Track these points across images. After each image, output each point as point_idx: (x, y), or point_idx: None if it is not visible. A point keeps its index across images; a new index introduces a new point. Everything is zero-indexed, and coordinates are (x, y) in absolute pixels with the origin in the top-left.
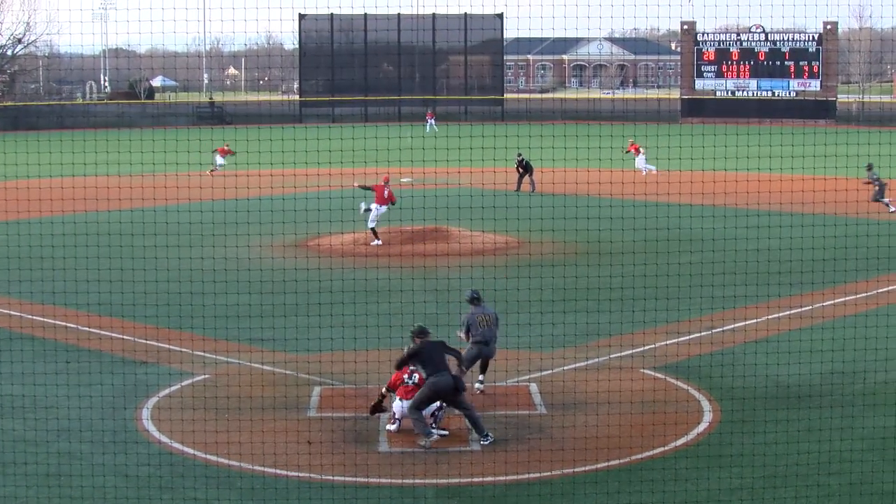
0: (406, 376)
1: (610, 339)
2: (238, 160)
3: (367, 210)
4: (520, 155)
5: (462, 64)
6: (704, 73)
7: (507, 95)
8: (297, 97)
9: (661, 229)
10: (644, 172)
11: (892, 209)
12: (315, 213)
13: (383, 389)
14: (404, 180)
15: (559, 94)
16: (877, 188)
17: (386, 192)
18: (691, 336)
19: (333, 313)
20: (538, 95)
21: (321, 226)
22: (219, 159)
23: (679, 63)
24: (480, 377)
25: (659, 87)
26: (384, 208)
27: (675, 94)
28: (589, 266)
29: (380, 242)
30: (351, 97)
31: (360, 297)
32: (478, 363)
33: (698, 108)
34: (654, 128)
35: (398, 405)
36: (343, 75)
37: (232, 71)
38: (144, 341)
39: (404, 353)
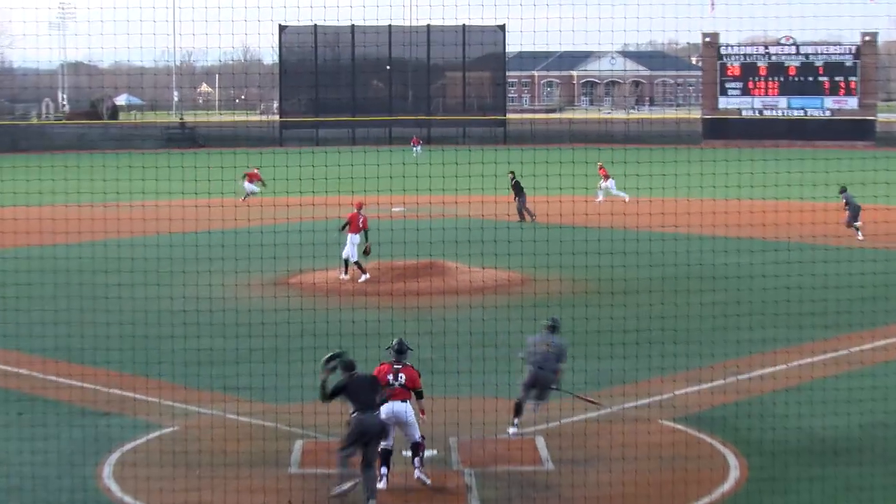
0: (391, 377)
1: (624, 386)
2: (211, 188)
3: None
4: (512, 174)
5: (460, 81)
6: (728, 91)
7: (509, 116)
8: (276, 118)
9: (680, 265)
10: (599, 199)
11: (861, 237)
12: (296, 248)
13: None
14: (396, 210)
15: (567, 115)
16: (849, 214)
17: (360, 220)
18: (715, 383)
19: (317, 359)
20: (544, 116)
21: (303, 261)
22: (249, 185)
23: (700, 79)
24: (535, 402)
25: (678, 106)
26: (357, 238)
27: (696, 113)
28: (601, 306)
29: (367, 276)
30: (337, 118)
31: (347, 340)
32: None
33: (722, 130)
34: (672, 151)
35: (388, 409)
36: (328, 94)
37: (205, 88)
38: (106, 389)
39: (328, 387)
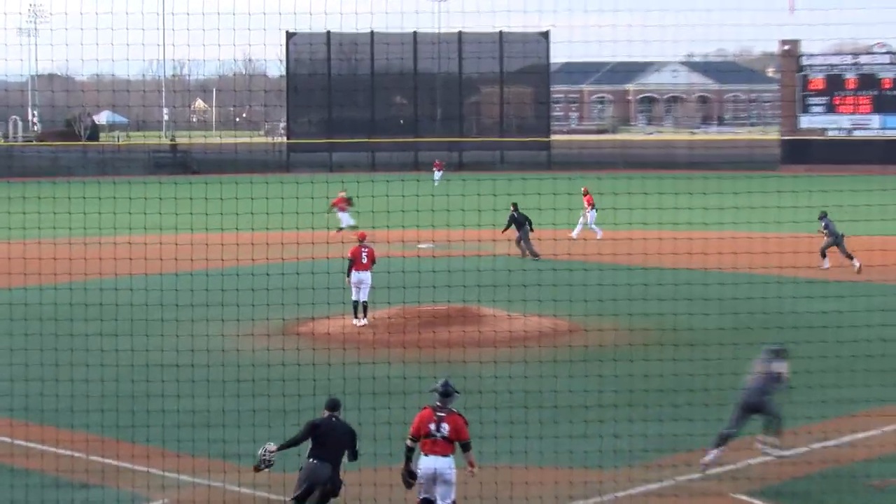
0: (432, 426)
1: (690, 454)
2: (209, 223)
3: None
4: (514, 206)
5: (497, 97)
6: (811, 108)
7: (554, 137)
8: (283, 139)
9: (755, 312)
10: (574, 234)
11: (826, 266)
12: (307, 291)
13: (408, 441)
14: (423, 247)
15: (621, 136)
16: (829, 239)
17: (364, 253)
18: (797, 451)
19: None
20: (594, 137)
21: (315, 307)
22: (344, 215)
23: (778, 95)
24: (763, 440)
25: (752, 125)
26: (366, 275)
27: (773, 134)
28: (662, 360)
29: (364, 322)
30: (353, 139)
31: (366, 400)
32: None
33: (803, 153)
34: (744, 179)
35: (427, 464)
36: (343, 112)
37: (200, 105)
38: (85, 456)
39: (303, 426)
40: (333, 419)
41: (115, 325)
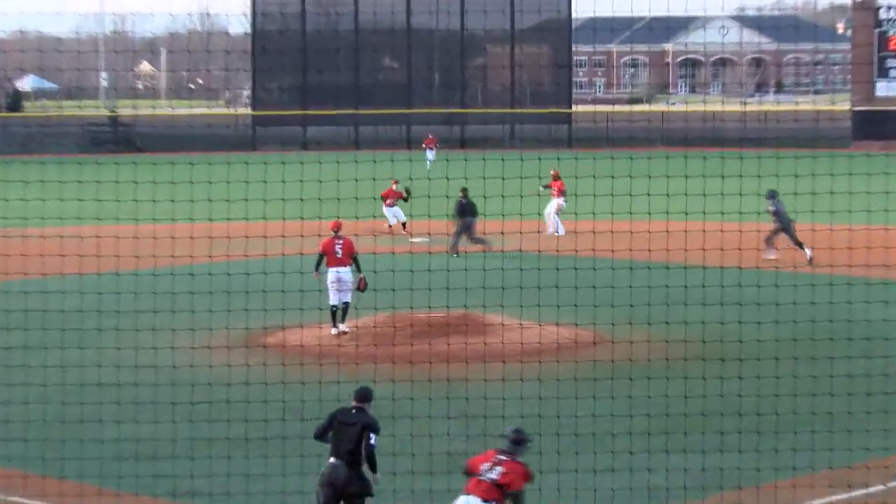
0: (485, 465)
1: (740, 491)
2: (157, 211)
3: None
4: (464, 192)
5: (507, 60)
6: (890, 72)
7: (576, 108)
8: (248, 110)
9: (820, 321)
10: (551, 228)
11: (772, 256)
12: (277, 295)
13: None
14: (416, 241)
15: (658, 107)
16: (777, 226)
17: (339, 246)
18: (870, 490)
19: (306, 453)
20: (626, 108)
21: (286, 313)
22: (390, 211)
23: (849, 57)
24: None
25: (817, 93)
26: (345, 271)
27: (843, 104)
28: (706, 378)
29: (344, 329)
30: (333, 110)
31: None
32: None
33: (880, 127)
34: (807, 160)
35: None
36: (321, 77)
37: (146, 69)
38: (4, 497)
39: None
40: (354, 411)
41: (43, 335)
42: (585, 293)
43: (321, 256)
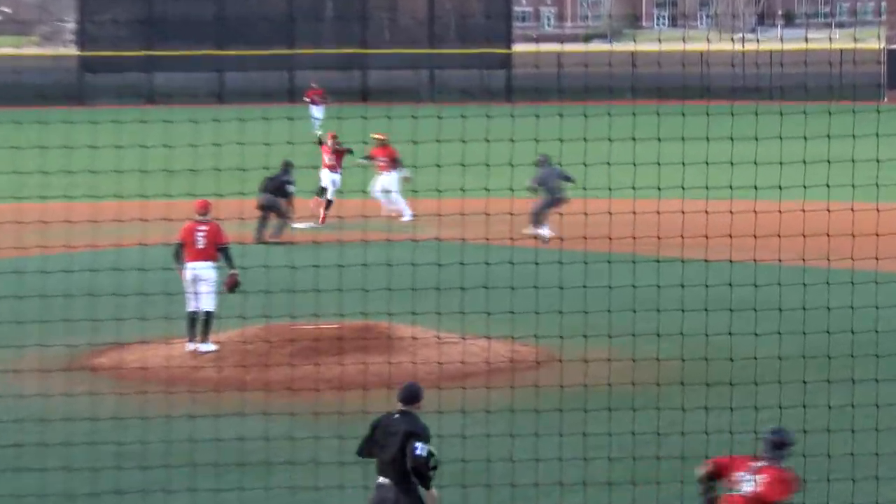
0: (742, 474)
1: None
2: None
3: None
4: (285, 165)
5: None
6: None
7: (517, 49)
8: (73, 50)
9: (836, 331)
10: (386, 202)
11: (547, 235)
12: (111, 300)
13: (702, 472)
14: (300, 227)
15: (626, 45)
16: (545, 201)
17: (201, 234)
18: None
19: None
20: (581, 48)
21: (122, 325)
22: (330, 175)
23: None
24: None
25: (837, 26)
26: (205, 268)
27: (873, 42)
28: (686, 410)
29: (208, 348)
30: (189, 51)
31: (207, 479)
32: None
33: None
34: (823, 117)
35: None
36: (172, 5)
37: None
38: None
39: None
40: (397, 416)
41: None
42: (525, 296)
43: (179, 246)
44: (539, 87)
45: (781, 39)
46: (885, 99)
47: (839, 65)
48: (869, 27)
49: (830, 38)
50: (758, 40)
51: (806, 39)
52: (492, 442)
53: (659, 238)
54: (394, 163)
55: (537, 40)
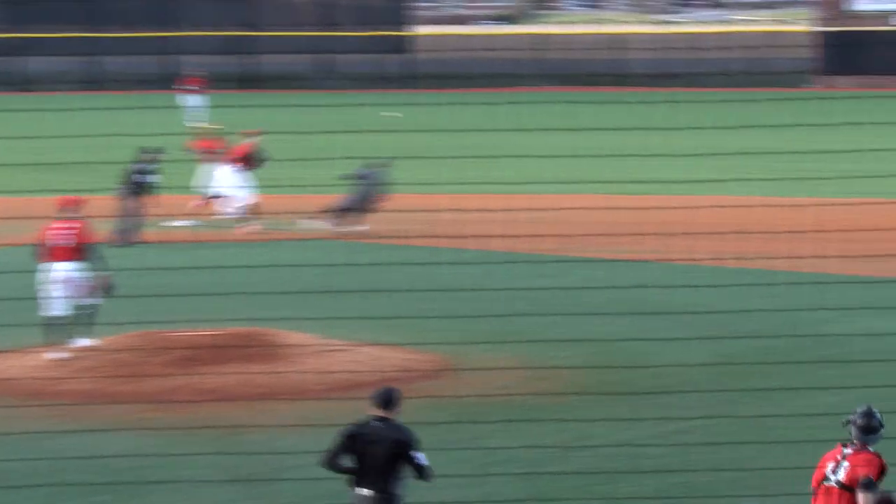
0: (830, 466)
1: None
2: None
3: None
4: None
5: None
6: None
7: (417, 31)
8: None
9: (768, 336)
10: (238, 203)
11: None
12: None
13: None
14: (178, 224)
15: (536, 27)
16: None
17: (67, 234)
18: None
19: None
20: (487, 30)
21: None
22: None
23: None
24: None
25: (768, 7)
26: (74, 269)
27: (802, 24)
28: (595, 422)
29: (68, 356)
30: (58, 33)
31: (75, 499)
32: None
33: (854, 53)
34: (747, 105)
35: None
36: None
37: None
38: None
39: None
40: (378, 423)
41: None
42: (422, 299)
43: (42, 246)
44: (440, 73)
45: (703, 22)
46: (814, 83)
47: (763, 47)
48: (798, 7)
49: (755, 20)
50: (677, 21)
51: (730, 23)
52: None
53: (568, 236)
54: (214, 149)
55: (437, 22)
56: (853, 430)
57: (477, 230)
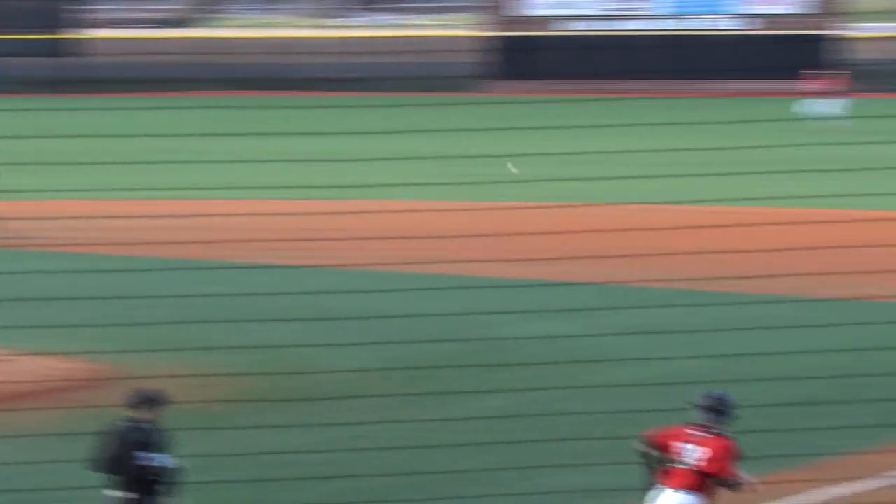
0: (681, 446)
1: None
2: None
3: None
4: None
5: None
6: None
7: (81, 34)
8: None
9: (436, 339)
10: None
11: None
12: None
13: (641, 447)
14: None
15: (201, 31)
16: None
17: None
18: None
19: None
20: (148, 34)
21: None
22: None
23: None
24: None
25: (432, 12)
26: None
27: (465, 29)
28: (273, 429)
29: None
30: None
31: None
32: None
33: (523, 61)
34: (413, 108)
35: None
36: None
37: None
38: None
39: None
40: (122, 423)
41: None
42: (96, 306)
43: None
44: (99, 77)
45: (370, 27)
46: (482, 90)
47: (427, 53)
48: (463, 14)
49: (421, 25)
50: (349, 27)
51: (398, 25)
52: (45, 469)
53: (212, 243)
54: None
55: (94, 25)
56: (701, 413)
57: (129, 237)
